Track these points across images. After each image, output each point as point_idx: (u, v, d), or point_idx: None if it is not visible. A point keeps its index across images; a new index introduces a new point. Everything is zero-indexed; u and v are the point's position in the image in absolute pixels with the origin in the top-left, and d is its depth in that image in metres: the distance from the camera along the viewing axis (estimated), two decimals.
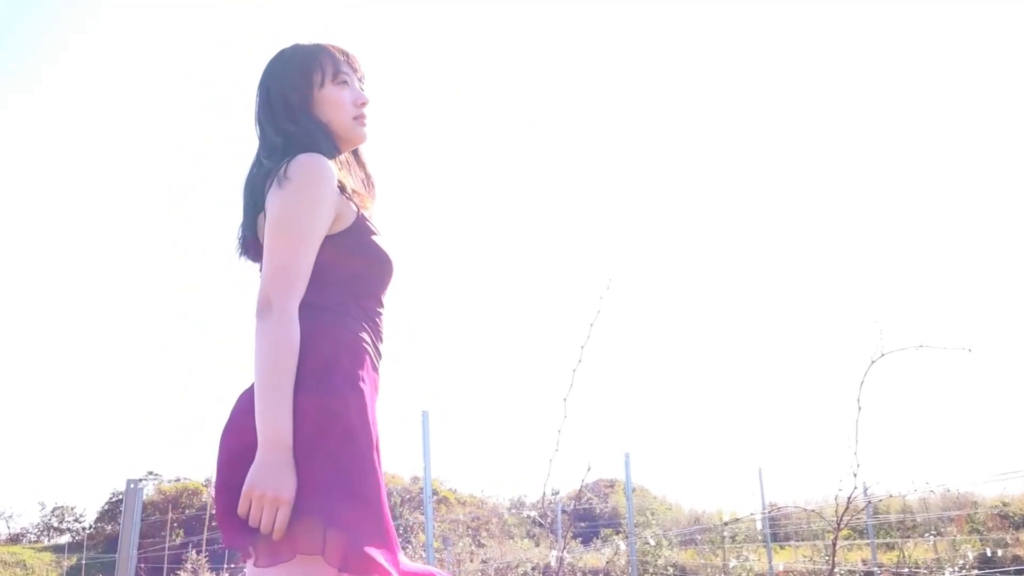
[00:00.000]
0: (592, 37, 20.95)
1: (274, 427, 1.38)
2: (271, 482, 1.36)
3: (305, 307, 1.54)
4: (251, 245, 1.67)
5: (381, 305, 1.67)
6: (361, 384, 1.52)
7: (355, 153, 1.82)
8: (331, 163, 1.57)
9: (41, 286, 25.43)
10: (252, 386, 1.48)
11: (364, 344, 1.58)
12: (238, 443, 1.46)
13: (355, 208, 1.61)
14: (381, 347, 1.66)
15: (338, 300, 1.57)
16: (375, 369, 1.61)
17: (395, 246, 1.73)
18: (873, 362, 2.58)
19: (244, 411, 1.48)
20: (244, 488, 1.37)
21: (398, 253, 1.72)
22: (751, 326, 24.33)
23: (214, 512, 1.47)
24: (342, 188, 1.59)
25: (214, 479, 1.48)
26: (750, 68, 21.05)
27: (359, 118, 1.72)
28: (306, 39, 1.75)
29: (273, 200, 1.51)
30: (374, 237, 1.64)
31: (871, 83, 19.65)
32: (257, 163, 1.66)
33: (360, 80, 1.77)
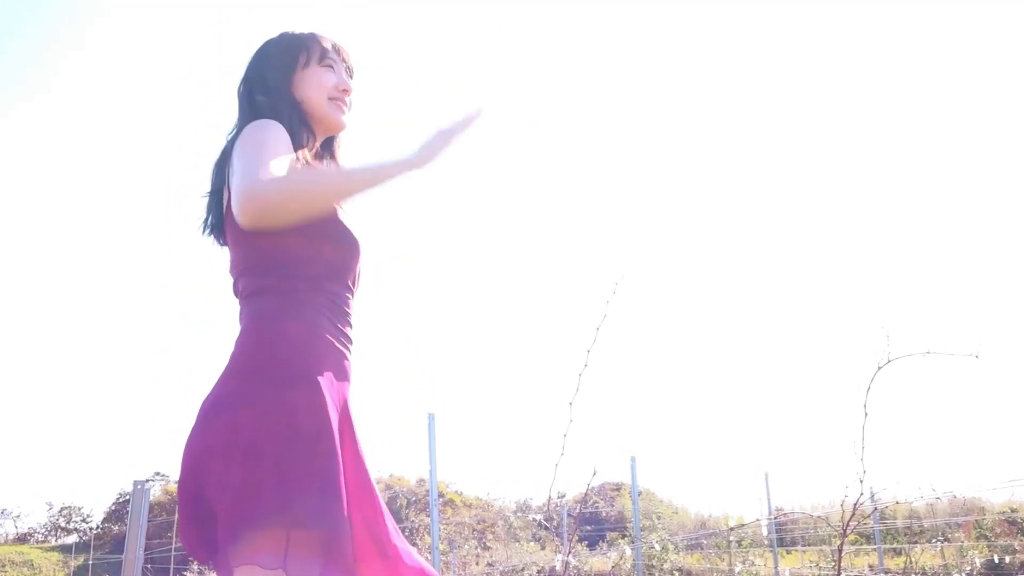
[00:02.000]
0: (592, 37, 20.96)
1: (390, 167, 1.45)
2: (441, 142, 1.50)
3: (258, 294, 1.52)
4: (216, 225, 1.65)
5: (348, 289, 1.62)
6: (316, 376, 1.48)
7: (331, 153, 1.80)
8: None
9: (45, 287, 25.56)
10: (212, 392, 1.46)
11: (323, 332, 1.53)
12: (202, 446, 1.43)
13: None
14: (350, 332, 1.61)
15: (293, 285, 1.52)
16: (342, 355, 1.57)
17: (362, 229, 1.68)
18: (880, 368, 2.57)
19: (206, 417, 1.45)
20: (436, 139, 1.49)
21: (364, 235, 1.67)
22: (757, 330, 24.28)
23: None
24: (306, 162, 1.58)
25: (179, 487, 1.44)
26: (751, 69, 21.02)
27: (336, 100, 1.70)
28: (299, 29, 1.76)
29: (236, 149, 1.49)
30: (339, 217, 1.60)
31: (871, 83, 19.60)
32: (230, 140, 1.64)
33: (348, 72, 1.76)
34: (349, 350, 1.61)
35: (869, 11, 19.60)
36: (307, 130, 1.68)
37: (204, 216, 1.67)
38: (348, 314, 1.62)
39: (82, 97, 22.17)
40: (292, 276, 1.53)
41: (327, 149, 1.80)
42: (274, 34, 1.74)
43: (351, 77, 1.78)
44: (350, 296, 1.64)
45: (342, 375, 1.58)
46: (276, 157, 1.44)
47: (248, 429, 1.40)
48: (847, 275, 21.84)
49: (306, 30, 1.74)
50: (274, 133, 1.50)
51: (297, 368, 1.48)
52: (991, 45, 19.05)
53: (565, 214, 23.64)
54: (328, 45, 1.73)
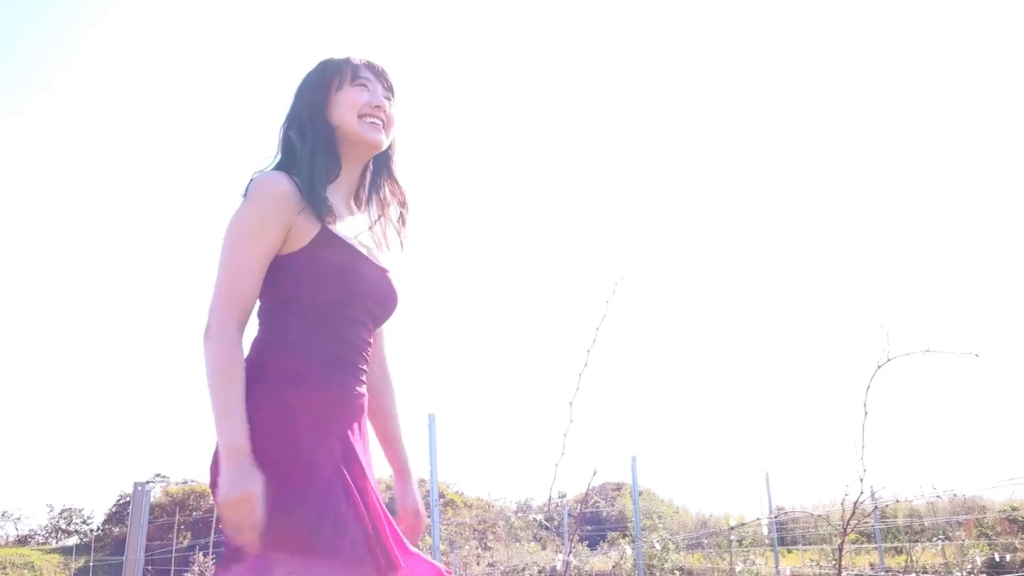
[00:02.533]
0: (592, 36, 20.97)
1: (232, 439, 1.44)
2: (240, 485, 1.42)
3: (265, 323, 1.61)
4: None
5: (357, 318, 1.64)
6: (294, 421, 1.53)
7: (389, 172, 1.81)
8: (285, 181, 1.57)
9: (47, 287, 25.56)
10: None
11: (316, 368, 1.57)
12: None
13: (318, 223, 1.59)
14: (363, 365, 1.65)
15: (292, 324, 1.57)
16: (347, 386, 1.61)
17: (385, 262, 1.72)
18: (880, 367, 2.57)
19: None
20: (221, 499, 1.43)
21: (390, 281, 1.71)
22: (758, 330, 24.28)
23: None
24: (314, 203, 1.59)
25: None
26: (750, 66, 21.03)
27: (367, 116, 1.70)
28: (338, 53, 1.77)
29: (230, 220, 1.58)
30: (342, 251, 1.61)
31: (870, 80, 19.60)
32: None
33: (388, 90, 1.76)
34: (360, 381, 1.65)
35: (869, 11, 19.61)
36: (334, 161, 1.68)
37: None
38: (359, 346, 1.65)
39: (83, 96, 22.18)
40: (290, 314, 1.58)
41: (382, 169, 1.81)
42: (313, 64, 1.76)
43: (392, 94, 1.77)
44: (364, 329, 1.65)
45: (345, 402, 1.60)
46: (238, 282, 1.53)
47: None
48: (847, 274, 21.86)
49: (343, 54, 1.75)
50: (261, 216, 1.54)
51: (283, 386, 1.53)
52: (991, 45, 19.05)
53: (565, 213, 23.65)
54: (361, 64, 1.73)
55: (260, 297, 1.61)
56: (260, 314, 1.63)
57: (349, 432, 1.58)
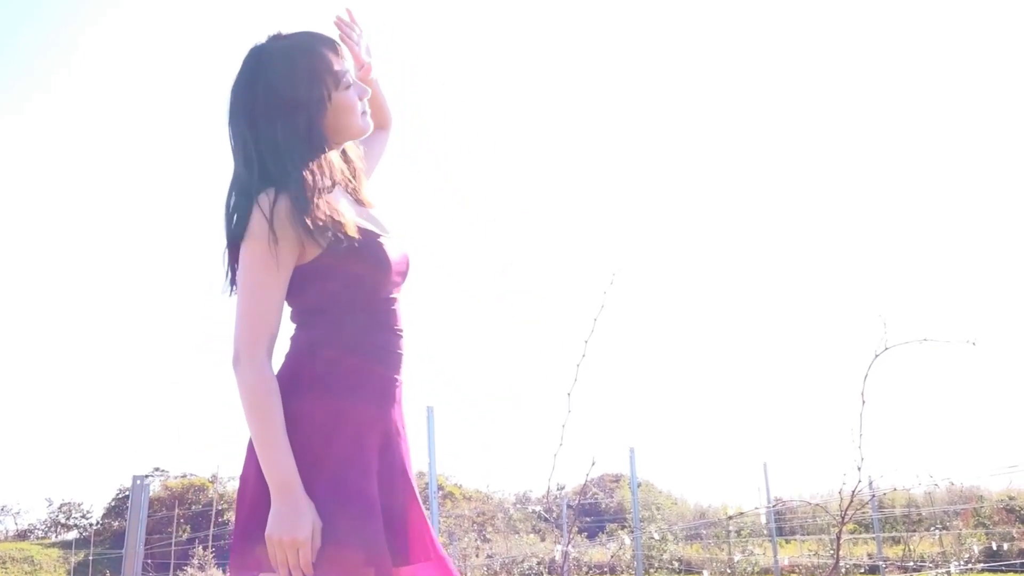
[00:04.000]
0: (591, 33, 20.92)
1: (278, 474, 1.44)
2: (286, 527, 1.42)
3: (299, 326, 1.61)
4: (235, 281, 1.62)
5: (388, 295, 1.62)
6: (340, 392, 1.53)
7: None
8: (284, 201, 1.48)
9: (48, 284, 25.53)
10: None
11: (357, 358, 1.57)
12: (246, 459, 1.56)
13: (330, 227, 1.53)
14: (398, 348, 1.63)
15: (323, 320, 1.57)
16: (381, 375, 1.59)
17: (400, 241, 1.69)
18: (877, 356, 2.57)
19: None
20: (267, 536, 1.44)
21: (401, 247, 1.68)
22: (755, 320, 24.31)
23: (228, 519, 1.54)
24: (315, 215, 1.51)
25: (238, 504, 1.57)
26: (748, 57, 21.00)
27: (364, 113, 1.67)
28: (288, 28, 1.64)
29: (241, 252, 1.51)
30: (363, 235, 1.57)
31: (871, 75, 19.59)
32: (232, 189, 1.57)
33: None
34: (398, 368, 1.63)
35: (868, 8, 19.58)
36: (326, 175, 1.59)
37: (225, 272, 1.61)
38: (393, 323, 1.63)
39: (82, 97, 22.10)
40: (320, 317, 1.58)
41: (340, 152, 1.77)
42: (274, 52, 1.59)
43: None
44: (394, 308, 1.64)
45: (383, 396, 1.60)
46: (261, 311, 1.50)
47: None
48: (844, 263, 21.87)
49: (301, 33, 1.63)
50: (264, 262, 1.48)
51: (321, 386, 1.53)
52: (989, 42, 19.04)
53: (563, 205, 23.64)
54: (336, 52, 1.63)
55: (291, 303, 1.59)
56: (293, 317, 1.62)
57: (386, 435, 1.59)
